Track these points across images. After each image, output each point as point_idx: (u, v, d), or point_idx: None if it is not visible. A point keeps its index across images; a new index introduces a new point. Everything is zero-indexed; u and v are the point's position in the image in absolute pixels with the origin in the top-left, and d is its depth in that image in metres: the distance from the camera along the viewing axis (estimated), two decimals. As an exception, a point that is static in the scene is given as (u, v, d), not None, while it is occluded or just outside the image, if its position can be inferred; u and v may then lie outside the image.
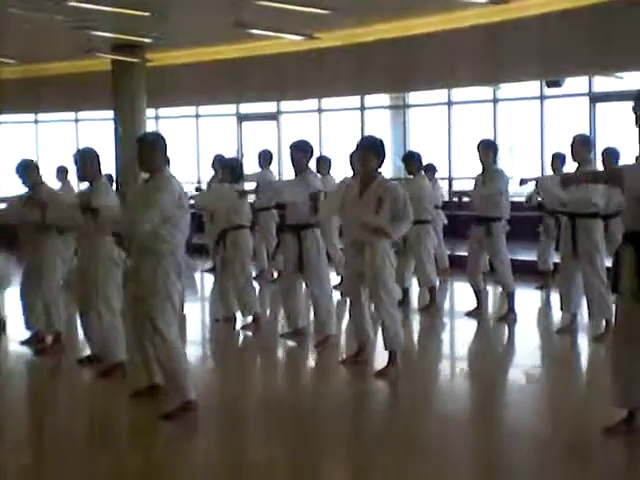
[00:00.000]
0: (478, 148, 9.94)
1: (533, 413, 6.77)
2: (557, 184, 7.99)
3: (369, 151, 7.55)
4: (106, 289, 7.63)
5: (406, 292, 10.86)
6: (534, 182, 9.96)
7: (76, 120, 23.56)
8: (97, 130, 22.39)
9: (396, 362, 7.67)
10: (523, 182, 10.09)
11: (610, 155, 10.21)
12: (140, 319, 6.47)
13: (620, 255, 5.69)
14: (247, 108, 21.88)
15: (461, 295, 12.44)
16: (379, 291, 7.57)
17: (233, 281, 9.71)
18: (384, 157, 7.64)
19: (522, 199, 11.98)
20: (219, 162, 10.03)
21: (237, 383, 7.78)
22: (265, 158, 13.34)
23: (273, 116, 21.38)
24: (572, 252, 8.81)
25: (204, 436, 6.27)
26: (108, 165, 21.77)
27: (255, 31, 15.17)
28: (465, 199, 10.87)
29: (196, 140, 22.09)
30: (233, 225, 9.63)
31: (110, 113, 19.86)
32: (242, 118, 21.93)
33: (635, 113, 5.62)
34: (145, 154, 6.41)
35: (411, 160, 10.74)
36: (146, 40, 17.25)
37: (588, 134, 8.80)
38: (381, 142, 7.67)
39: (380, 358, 7.80)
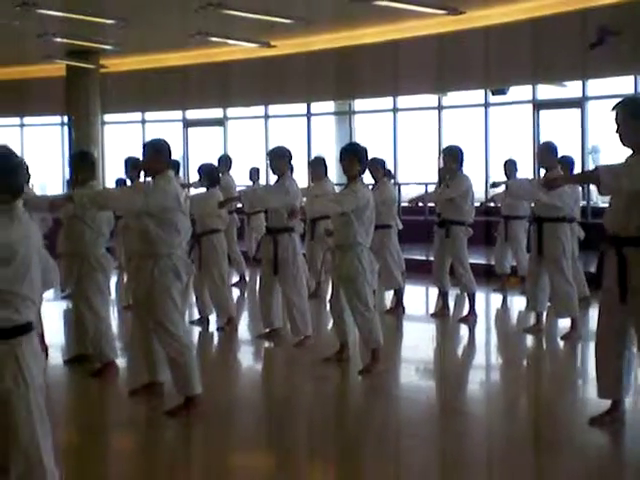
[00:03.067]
0: (443, 153, 10.34)
1: (507, 408, 7.11)
2: (535, 186, 8.46)
3: (353, 158, 7.87)
4: (88, 292, 7.82)
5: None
6: (504, 185, 10.25)
7: (21, 125, 23.19)
8: (42, 135, 22.40)
9: (377, 359, 7.99)
10: (495, 185, 10.44)
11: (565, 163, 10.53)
12: (142, 319, 6.73)
13: (603, 255, 6.09)
14: (193, 114, 22.06)
15: (418, 297, 12.81)
16: (350, 293, 7.92)
17: (209, 284, 9.94)
18: (366, 163, 8.02)
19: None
20: (199, 169, 10.22)
21: (222, 383, 8.04)
22: (225, 164, 13.59)
23: (220, 122, 21.57)
24: (538, 254, 9.23)
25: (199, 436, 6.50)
26: (59, 170, 21.89)
27: (216, 39, 15.36)
28: (420, 204, 11.24)
29: (142, 146, 22.00)
30: (208, 229, 9.88)
31: (56, 118, 19.82)
32: (188, 124, 22.09)
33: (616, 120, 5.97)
34: (148, 158, 6.69)
35: (376, 166, 11.03)
36: (103, 47, 17.33)
37: (552, 142, 9.17)
38: (364, 149, 8.02)
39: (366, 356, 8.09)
